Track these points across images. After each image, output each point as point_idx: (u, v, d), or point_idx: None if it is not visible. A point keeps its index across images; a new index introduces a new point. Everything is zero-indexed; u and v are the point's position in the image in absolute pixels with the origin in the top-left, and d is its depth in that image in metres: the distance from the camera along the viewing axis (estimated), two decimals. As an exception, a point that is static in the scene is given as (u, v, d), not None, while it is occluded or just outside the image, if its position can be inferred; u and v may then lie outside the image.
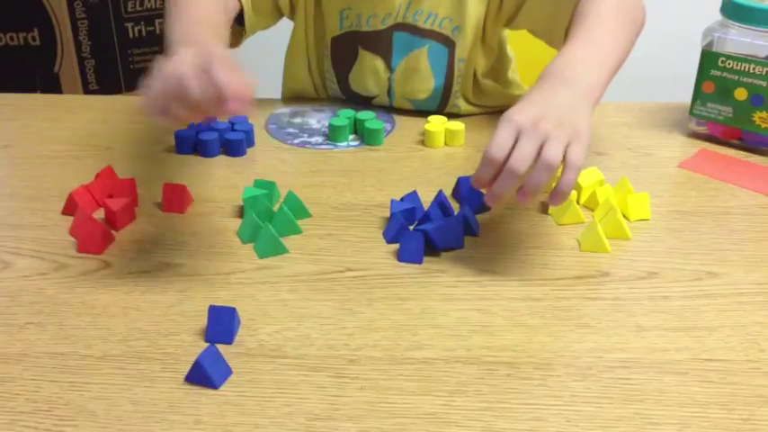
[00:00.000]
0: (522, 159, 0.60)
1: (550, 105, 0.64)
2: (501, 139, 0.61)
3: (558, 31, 0.80)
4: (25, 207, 0.75)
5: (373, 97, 0.94)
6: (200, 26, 0.73)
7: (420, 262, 0.66)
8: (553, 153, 0.60)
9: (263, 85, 0.90)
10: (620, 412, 0.51)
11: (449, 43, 0.88)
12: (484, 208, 0.73)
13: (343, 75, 0.94)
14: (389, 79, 0.92)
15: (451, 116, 0.91)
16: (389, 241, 0.69)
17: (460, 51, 0.89)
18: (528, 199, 0.61)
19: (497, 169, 0.61)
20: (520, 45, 1.00)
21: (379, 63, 0.91)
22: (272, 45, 1.03)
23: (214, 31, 0.73)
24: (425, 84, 0.91)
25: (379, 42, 0.90)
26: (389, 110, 0.94)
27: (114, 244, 0.69)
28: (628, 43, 0.75)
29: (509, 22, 0.90)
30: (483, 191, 0.63)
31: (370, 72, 0.92)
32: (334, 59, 0.93)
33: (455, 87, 0.91)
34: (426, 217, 0.70)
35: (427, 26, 0.88)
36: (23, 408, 0.51)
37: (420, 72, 0.90)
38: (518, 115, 0.62)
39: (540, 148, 0.60)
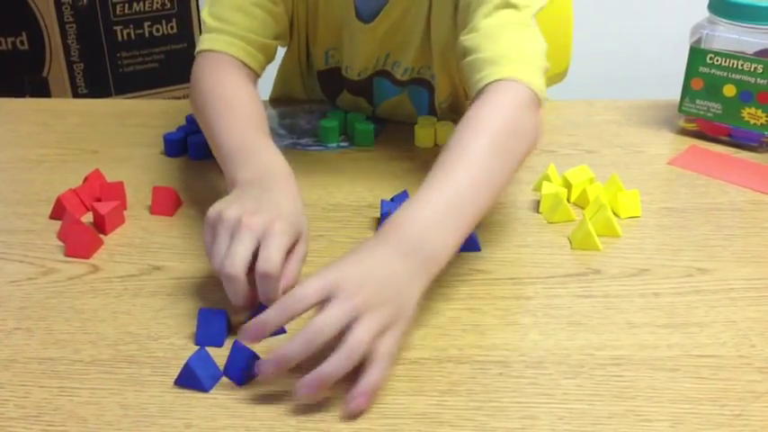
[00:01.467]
0: (324, 326, 0.50)
1: (376, 274, 0.53)
2: (307, 291, 0.52)
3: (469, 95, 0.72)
4: (13, 211, 0.74)
5: None
6: (255, 135, 0.68)
7: None
8: (360, 338, 0.50)
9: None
10: (611, 409, 0.51)
11: (428, 86, 0.87)
12: None
13: (331, 100, 0.94)
14: (374, 112, 0.92)
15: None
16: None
17: (440, 96, 0.87)
18: (314, 389, 0.49)
19: (286, 321, 0.52)
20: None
21: (363, 102, 0.91)
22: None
23: (266, 134, 0.70)
24: (410, 119, 0.90)
25: (360, 87, 0.90)
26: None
27: (103, 248, 0.68)
28: (493, 188, 0.61)
29: None
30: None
31: (353, 107, 0.92)
32: (321, 87, 0.93)
33: (440, 117, 0.91)
34: None
35: (405, 78, 0.87)
36: (12, 414, 0.51)
37: (404, 111, 0.90)
38: (337, 274, 0.52)
39: (350, 323, 0.50)
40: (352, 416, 0.50)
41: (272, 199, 0.60)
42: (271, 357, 0.51)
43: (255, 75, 0.80)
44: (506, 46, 0.68)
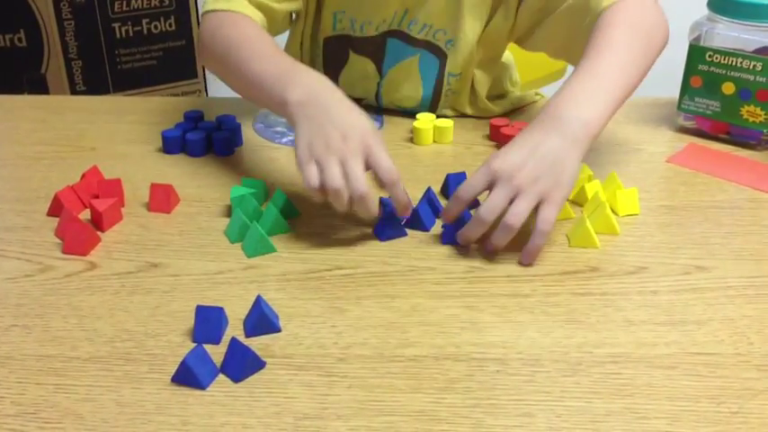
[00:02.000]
0: (489, 211, 0.62)
1: (534, 153, 0.63)
2: (474, 181, 0.64)
3: (577, 51, 0.76)
4: (11, 208, 0.74)
5: (362, 99, 0.93)
6: (292, 61, 0.74)
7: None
8: (517, 212, 0.61)
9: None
10: (609, 407, 0.51)
11: (440, 54, 0.87)
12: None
13: (333, 76, 0.93)
14: (378, 84, 0.91)
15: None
16: (383, 239, 0.68)
17: (451, 65, 0.87)
18: (493, 251, 0.63)
19: (463, 208, 0.64)
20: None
21: (370, 67, 0.91)
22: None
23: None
24: (414, 92, 0.90)
25: (372, 46, 0.89)
26: (378, 109, 0.94)
27: (100, 245, 0.68)
28: (637, 71, 0.72)
29: (522, 41, 0.89)
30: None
31: (359, 76, 0.91)
32: (325, 60, 0.93)
33: (443, 99, 0.91)
34: (416, 214, 0.70)
35: (421, 36, 0.87)
36: (9, 411, 0.50)
37: (410, 80, 0.90)
38: (498, 161, 0.63)
39: (512, 201, 0.62)
40: (529, 262, 0.63)
41: (342, 116, 0.67)
42: (458, 238, 0.65)
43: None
44: None
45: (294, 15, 0.92)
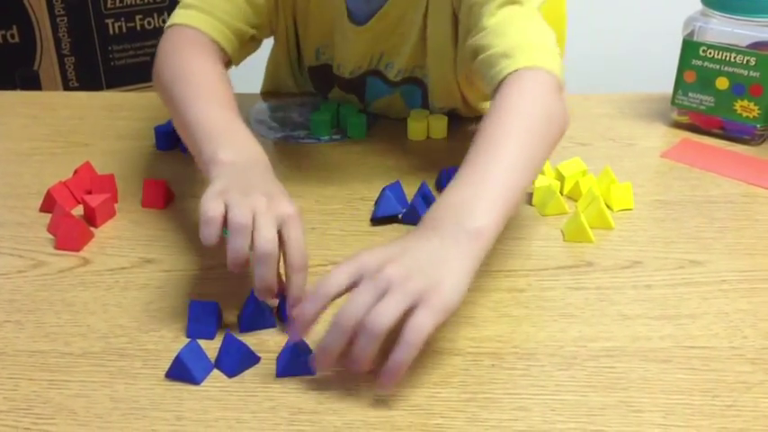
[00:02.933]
0: (348, 313, 0.49)
1: (407, 251, 0.51)
2: (335, 277, 0.51)
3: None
4: (3, 204, 0.74)
5: None
6: (234, 118, 0.66)
7: None
8: (381, 312, 0.48)
9: (244, 79, 0.90)
10: (604, 400, 0.51)
11: (422, 85, 0.87)
12: None
13: (323, 94, 0.93)
14: (365, 110, 0.91)
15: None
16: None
17: (432, 96, 0.86)
18: (356, 366, 0.49)
19: (322, 309, 0.51)
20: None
21: (353, 99, 0.90)
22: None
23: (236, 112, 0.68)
24: (402, 116, 0.89)
25: (352, 85, 0.89)
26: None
27: (93, 241, 0.68)
28: (532, 166, 0.60)
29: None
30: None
31: (346, 102, 0.91)
32: (312, 82, 0.92)
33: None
34: (412, 208, 0.70)
35: (398, 79, 0.86)
36: (1, 406, 0.50)
37: (396, 109, 0.89)
38: (365, 256, 0.51)
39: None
40: (382, 393, 0.50)
41: (268, 185, 0.59)
42: (315, 354, 0.51)
43: (227, 57, 0.78)
44: (517, 38, 0.67)
45: (273, 38, 0.90)
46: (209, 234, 0.54)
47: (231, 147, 0.62)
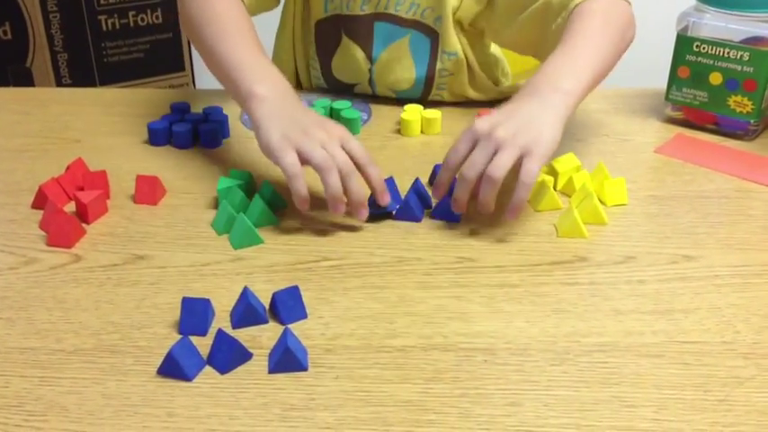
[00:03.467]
0: (471, 166, 0.64)
1: (512, 115, 0.65)
2: (458, 146, 0.65)
3: (547, 49, 0.77)
4: (-6, 201, 0.73)
5: (355, 84, 0.93)
6: (261, 55, 0.74)
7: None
8: (498, 164, 0.62)
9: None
10: (597, 395, 0.51)
11: (431, 33, 0.87)
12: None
13: (326, 61, 0.93)
14: (370, 70, 0.91)
15: (435, 104, 0.90)
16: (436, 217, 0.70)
17: (444, 43, 0.87)
18: (484, 209, 0.64)
19: (453, 174, 0.66)
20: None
21: (360, 54, 0.90)
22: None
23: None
24: (407, 74, 0.90)
25: (360, 30, 0.89)
26: (369, 98, 0.94)
27: (85, 237, 0.67)
28: (611, 55, 0.74)
29: (494, 35, 0.89)
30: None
31: (351, 60, 0.91)
32: (318, 44, 0.92)
33: (437, 80, 0.90)
34: (407, 204, 0.70)
35: (409, 16, 0.86)
36: (-8, 404, 0.50)
37: (401, 62, 0.89)
38: (478, 124, 0.65)
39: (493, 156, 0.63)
40: (513, 218, 0.65)
41: (310, 114, 0.70)
42: (452, 206, 0.67)
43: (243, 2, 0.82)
44: None
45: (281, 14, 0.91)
46: (302, 187, 0.65)
47: (264, 81, 0.71)
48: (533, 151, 0.63)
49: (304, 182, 0.65)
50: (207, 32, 0.76)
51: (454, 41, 0.87)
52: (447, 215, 0.69)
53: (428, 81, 0.91)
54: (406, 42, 0.88)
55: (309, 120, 0.69)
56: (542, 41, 0.81)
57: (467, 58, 0.89)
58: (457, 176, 0.65)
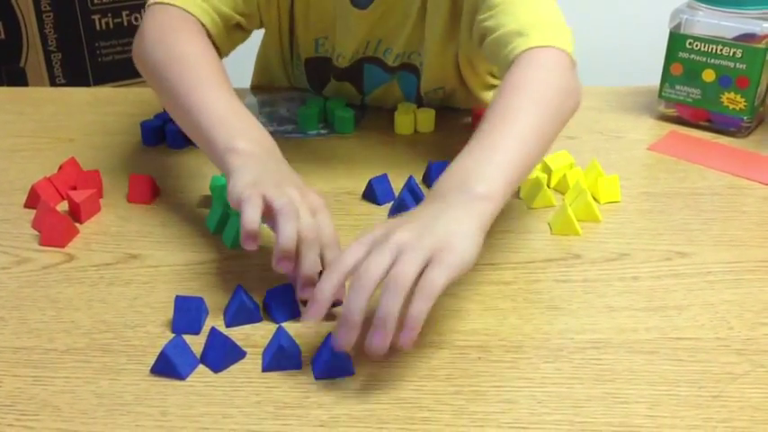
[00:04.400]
0: (367, 272, 0.49)
1: (414, 218, 0.53)
2: (350, 250, 0.51)
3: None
4: (-13, 201, 0.73)
5: None
6: (241, 105, 0.66)
7: None
8: (401, 269, 0.48)
9: (232, 73, 0.89)
10: (590, 392, 0.51)
11: (416, 72, 0.86)
12: None
13: (317, 89, 0.92)
14: (362, 100, 0.91)
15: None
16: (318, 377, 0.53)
17: (424, 84, 0.86)
18: (380, 335, 0.48)
19: (335, 290, 0.50)
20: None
21: (351, 89, 0.90)
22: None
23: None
24: (399, 101, 0.89)
25: (350, 73, 0.88)
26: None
27: (78, 236, 0.67)
28: (542, 139, 0.60)
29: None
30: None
31: (343, 92, 0.90)
32: (308, 76, 0.92)
33: (427, 102, 0.90)
34: (401, 202, 0.69)
35: (396, 64, 0.86)
36: (-15, 404, 0.50)
37: (392, 98, 0.89)
38: (374, 229, 0.52)
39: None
40: (406, 348, 0.49)
41: (293, 175, 0.61)
42: (339, 326, 0.49)
43: (212, 41, 0.75)
44: (528, 16, 0.68)
45: (263, 29, 0.89)
46: (251, 221, 0.55)
47: (246, 136, 0.62)
48: (441, 258, 0.49)
49: (258, 216, 0.55)
50: (173, 74, 0.67)
51: (435, 80, 0.86)
52: (334, 370, 0.52)
53: (419, 103, 0.90)
54: (395, 84, 0.88)
55: (288, 178, 0.60)
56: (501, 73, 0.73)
57: (462, 83, 0.88)
58: (351, 285, 0.49)
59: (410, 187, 0.71)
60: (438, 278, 0.48)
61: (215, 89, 0.66)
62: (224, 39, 0.77)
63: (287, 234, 0.54)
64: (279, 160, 0.63)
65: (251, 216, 0.55)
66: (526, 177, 0.59)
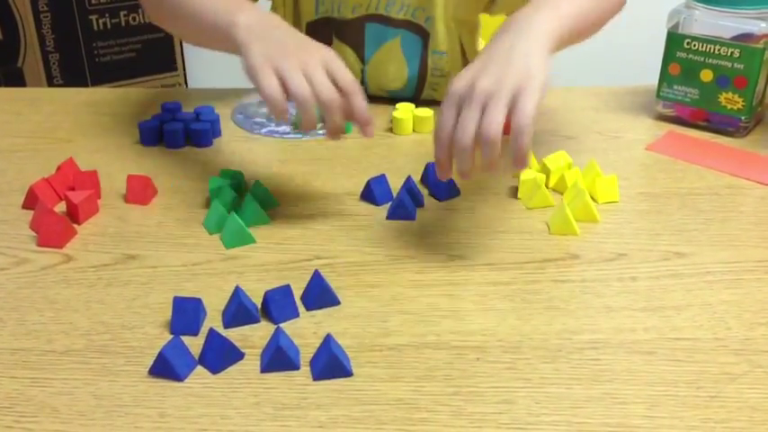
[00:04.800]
0: (462, 132, 0.56)
1: (489, 60, 0.59)
2: (443, 117, 0.58)
3: None
4: (-16, 202, 0.73)
5: None
6: None
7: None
8: (490, 121, 0.55)
9: (231, 74, 0.89)
10: (589, 393, 0.51)
11: (422, 33, 0.87)
12: (452, 193, 0.73)
13: None
14: (362, 71, 0.91)
15: (427, 103, 0.90)
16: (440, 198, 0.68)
17: (433, 43, 0.87)
18: (491, 171, 0.57)
19: (449, 148, 0.58)
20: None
21: (351, 56, 0.90)
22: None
23: None
24: (399, 73, 0.90)
25: (351, 33, 0.88)
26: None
27: (76, 237, 0.67)
28: (594, 13, 0.69)
29: (487, 8, 0.89)
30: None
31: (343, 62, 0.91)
32: None
33: (429, 79, 0.90)
34: (400, 203, 0.69)
35: (400, 16, 0.86)
36: (-17, 405, 0.50)
37: (393, 62, 0.89)
38: (456, 84, 0.58)
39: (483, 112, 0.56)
40: (522, 167, 0.57)
41: (296, 35, 0.66)
42: (460, 175, 0.58)
43: None
44: None
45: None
46: (282, 111, 0.61)
47: (245, 11, 0.66)
48: (524, 88, 0.56)
49: (284, 106, 0.61)
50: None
51: (443, 41, 0.87)
52: (332, 371, 0.52)
53: (420, 80, 0.91)
54: (398, 43, 0.88)
55: (293, 41, 0.64)
56: None
57: (463, 56, 0.89)
58: (454, 150, 0.58)
59: (408, 187, 0.71)
60: (527, 107, 0.55)
61: None
62: None
63: (309, 119, 0.61)
64: (280, 22, 0.67)
65: (269, 91, 0.60)
66: (582, 37, 0.68)
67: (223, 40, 0.66)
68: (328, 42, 0.90)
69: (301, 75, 0.61)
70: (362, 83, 0.92)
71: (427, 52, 0.88)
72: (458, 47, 0.88)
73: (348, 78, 0.63)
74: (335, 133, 0.63)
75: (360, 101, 0.63)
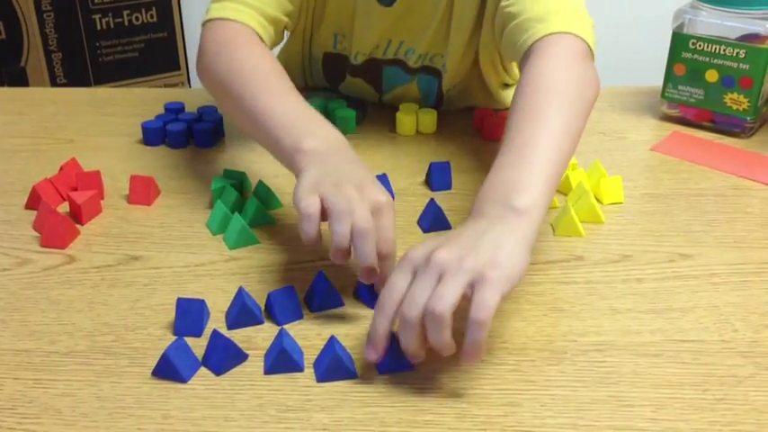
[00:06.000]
0: (409, 305, 0.48)
1: (457, 236, 0.51)
2: (392, 282, 0.51)
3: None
4: (-13, 202, 0.73)
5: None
6: (308, 107, 0.66)
7: None
8: (440, 296, 0.47)
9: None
10: (594, 395, 0.50)
11: (437, 74, 0.86)
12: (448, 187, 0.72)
13: (333, 85, 0.92)
14: (380, 98, 0.91)
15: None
16: (382, 371, 0.53)
17: (446, 83, 0.86)
18: (442, 353, 0.49)
19: (391, 320, 0.50)
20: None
21: (367, 88, 0.90)
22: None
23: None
24: (416, 100, 0.89)
25: (368, 73, 0.88)
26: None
27: (79, 238, 0.67)
28: (572, 137, 0.60)
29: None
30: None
31: (360, 90, 0.90)
32: (324, 71, 0.92)
33: (447, 101, 0.90)
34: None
35: (417, 65, 0.86)
36: (-15, 407, 0.50)
37: (410, 98, 0.89)
38: (412, 252, 0.51)
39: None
40: (471, 363, 0.49)
41: (359, 172, 0.59)
42: (409, 357, 0.51)
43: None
44: (550, 3, 0.69)
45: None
46: (311, 229, 0.55)
47: (314, 135, 0.62)
48: (487, 277, 0.48)
49: (315, 226, 0.56)
50: (238, 84, 0.68)
51: (456, 79, 0.86)
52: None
53: (437, 103, 0.90)
54: (414, 84, 0.88)
55: (352, 176, 0.58)
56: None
57: (483, 78, 0.87)
58: (399, 322, 0.50)
59: (435, 213, 0.68)
60: (488, 299, 0.47)
61: (279, 94, 0.67)
62: (273, 40, 0.79)
63: (340, 233, 0.54)
64: (348, 156, 0.62)
65: (307, 230, 0.55)
66: (563, 176, 0.59)
67: (286, 161, 0.63)
68: (342, 76, 0.90)
69: (346, 200, 0.55)
70: (380, 103, 0.91)
71: (442, 90, 0.88)
72: (471, 79, 0.87)
73: (390, 238, 0.56)
74: (368, 272, 0.56)
75: (384, 265, 0.56)
